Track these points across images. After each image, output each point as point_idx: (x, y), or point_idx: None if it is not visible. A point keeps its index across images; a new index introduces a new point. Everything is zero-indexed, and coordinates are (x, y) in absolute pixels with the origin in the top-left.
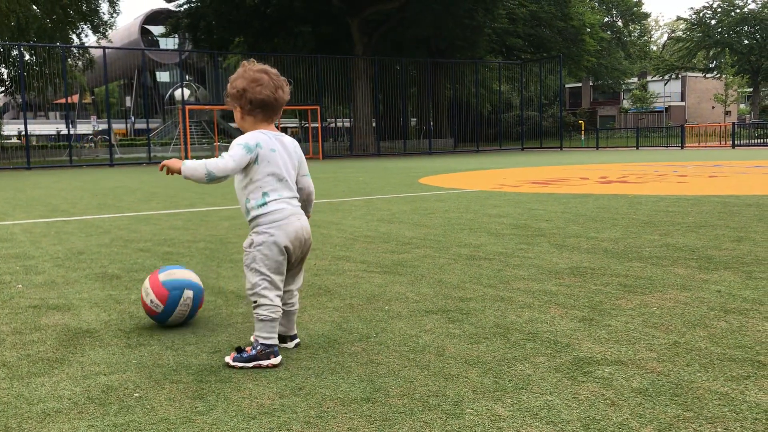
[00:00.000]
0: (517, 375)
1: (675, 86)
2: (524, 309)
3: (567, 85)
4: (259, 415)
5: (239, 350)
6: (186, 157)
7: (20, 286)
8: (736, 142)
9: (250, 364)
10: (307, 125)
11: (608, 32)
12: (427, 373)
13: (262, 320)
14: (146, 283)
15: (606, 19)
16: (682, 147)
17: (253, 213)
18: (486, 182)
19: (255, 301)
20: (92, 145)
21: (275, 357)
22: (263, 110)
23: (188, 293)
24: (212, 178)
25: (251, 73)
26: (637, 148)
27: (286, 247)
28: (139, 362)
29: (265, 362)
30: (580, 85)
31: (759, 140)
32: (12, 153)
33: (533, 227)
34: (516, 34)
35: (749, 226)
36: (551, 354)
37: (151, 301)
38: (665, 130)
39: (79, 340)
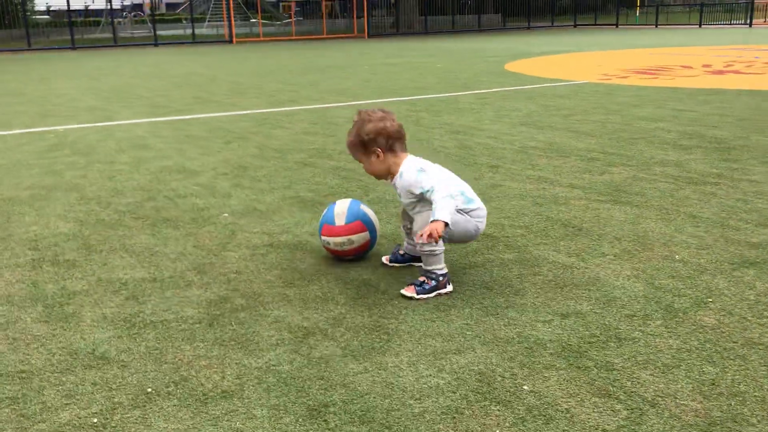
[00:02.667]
0: None
1: None
2: None
3: None
4: None
5: (417, 283)
6: (231, 36)
7: (226, 214)
8: None
9: (433, 294)
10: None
11: None
12: None
13: (434, 255)
14: (330, 239)
15: None
16: (750, 25)
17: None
18: (584, 72)
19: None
20: (123, 21)
21: (450, 284)
22: (400, 141)
23: (365, 208)
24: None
25: (371, 116)
26: (700, 26)
27: None
28: (479, 336)
29: (443, 290)
30: None
31: None
32: (43, 30)
33: (709, 136)
34: None
35: None
36: None
37: (352, 242)
38: (730, 5)
39: (362, 289)
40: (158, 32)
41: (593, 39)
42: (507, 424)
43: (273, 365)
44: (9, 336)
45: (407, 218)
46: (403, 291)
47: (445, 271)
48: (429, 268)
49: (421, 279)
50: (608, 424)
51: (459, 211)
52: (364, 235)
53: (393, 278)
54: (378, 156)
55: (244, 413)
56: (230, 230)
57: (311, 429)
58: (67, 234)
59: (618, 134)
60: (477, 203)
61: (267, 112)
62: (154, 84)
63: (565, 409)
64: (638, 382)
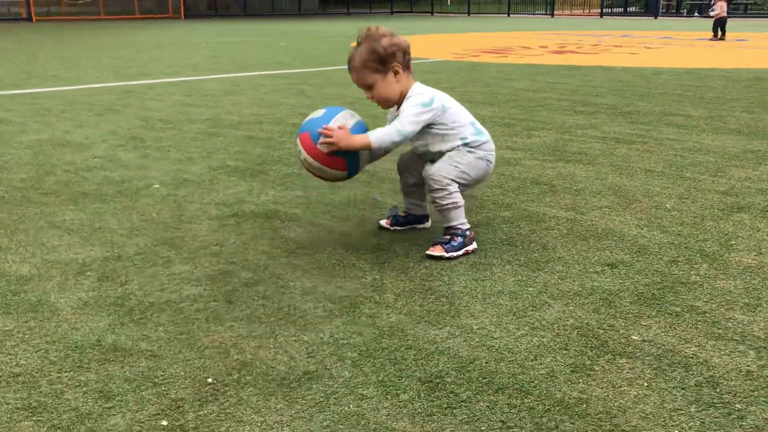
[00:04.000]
0: None
1: None
2: None
3: None
4: None
5: (444, 242)
6: (29, 14)
7: (157, 186)
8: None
9: (461, 252)
10: None
11: None
12: None
13: (457, 207)
14: (302, 152)
15: None
16: (552, 15)
17: (472, 142)
18: (434, 51)
19: (445, 189)
20: None
21: (474, 242)
22: (410, 59)
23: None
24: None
25: (383, 31)
26: (509, 15)
27: None
28: (544, 291)
29: (470, 248)
30: None
31: (619, 9)
32: None
33: (599, 103)
34: None
35: None
36: None
37: (313, 165)
38: None
39: (380, 255)
40: None
41: (417, 24)
42: (649, 376)
43: (342, 339)
44: None
45: (408, 173)
46: (429, 252)
47: (468, 225)
48: (452, 223)
49: (447, 237)
50: (749, 366)
51: (470, 146)
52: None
53: (406, 241)
54: (396, 73)
55: (349, 394)
56: (174, 202)
57: (443, 403)
58: None
59: (515, 103)
60: (486, 136)
61: (124, 85)
62: None
63: (693, 354)
64: (739, 323)
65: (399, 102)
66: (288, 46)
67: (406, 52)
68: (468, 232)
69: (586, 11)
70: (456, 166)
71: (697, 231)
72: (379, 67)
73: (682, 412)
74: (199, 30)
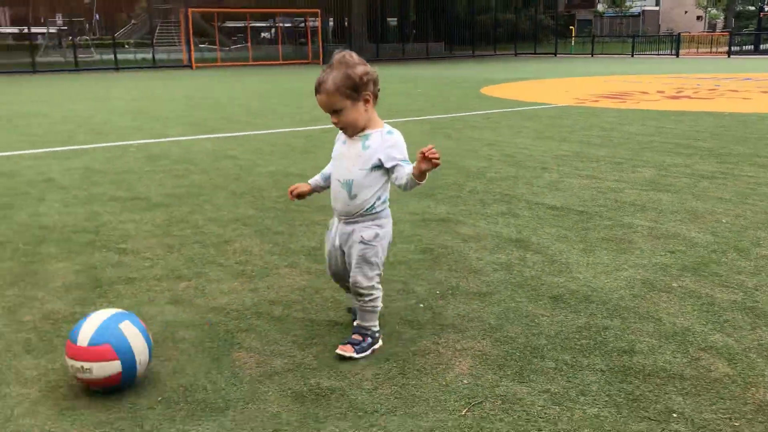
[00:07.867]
0: None
1: None
2: None
3: None
4: None
5: (354, 342)
6: (190, 60)
7: None
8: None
9: (369, 351)
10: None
11: None
12: None
13: (375, 311)
14: (68, 361)
15: None
16: (677, 55)
17: (379, 207)
18: (557, 96)
19: (371, 294)
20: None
21: (380, 341)
22: (379, 90)
23: (125, 326)
24: None
25: (356, 59)
26: (632, 56)
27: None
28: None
29: (376, 346)
30: None
31: (749, 47)
32: None
33: (699, 147)
34: None
35: None
36: None
37: (88, 371)
38: (657, 37)
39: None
40: (104, 57)
41: (541, 66)
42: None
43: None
44: None
45: (341, 279)
46: (340, 351)
47: (378, 328)
48: (367, 324)
49: (358, 338)
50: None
51: (375, 221)
52: (110, 366)
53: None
54: (367, 102)
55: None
56: None
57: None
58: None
59: (626, 145)
60: (388, 203)
61: (319, 129)
62: (172, 106)
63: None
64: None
65: (364, 129)
66: (423, 93)
67: (377, 83)
68: (377, 335)
69: (714, 50)
70: (371, 261)
71: (737, 236)
72: (352, 94)
73: None
74: None
